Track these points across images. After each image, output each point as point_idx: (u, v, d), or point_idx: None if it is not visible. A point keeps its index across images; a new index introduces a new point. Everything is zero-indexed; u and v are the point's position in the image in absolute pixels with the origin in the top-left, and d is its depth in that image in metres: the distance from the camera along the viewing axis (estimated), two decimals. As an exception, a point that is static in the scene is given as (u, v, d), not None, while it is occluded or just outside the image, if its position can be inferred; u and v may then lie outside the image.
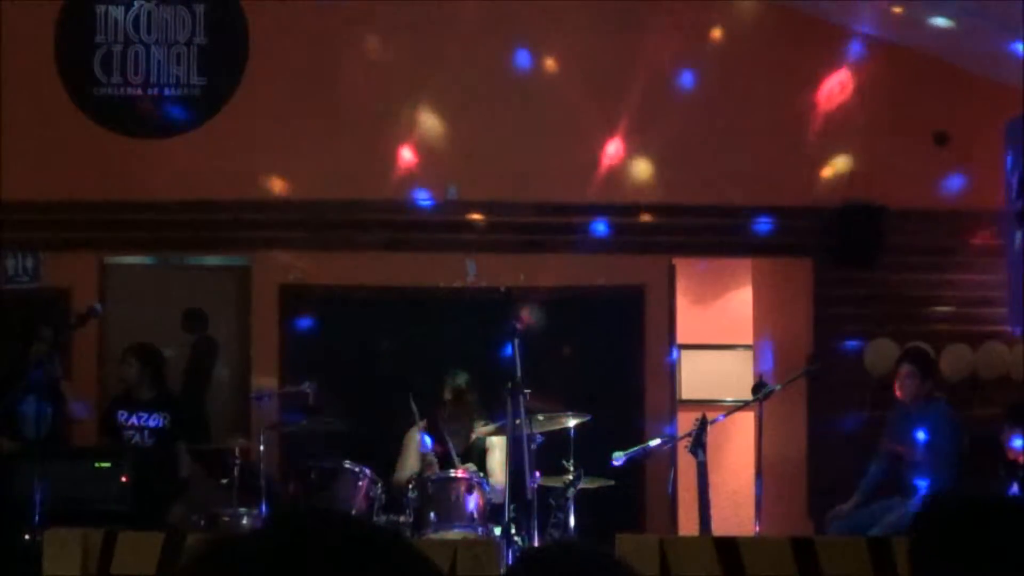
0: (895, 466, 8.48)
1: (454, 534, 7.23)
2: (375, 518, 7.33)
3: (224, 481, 7.58)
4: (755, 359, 10.43)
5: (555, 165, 9.58)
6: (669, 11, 9.61)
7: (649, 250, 9.72)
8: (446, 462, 7.89)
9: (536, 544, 6.81)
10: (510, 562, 6.59)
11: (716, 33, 9.66)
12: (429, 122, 9.54)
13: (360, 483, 7.50)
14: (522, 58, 9.63)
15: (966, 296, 9.70)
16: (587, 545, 1.81)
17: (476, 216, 9.58)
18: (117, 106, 9.45)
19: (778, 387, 8.01)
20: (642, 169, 9.66)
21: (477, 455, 8.04)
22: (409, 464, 8.08)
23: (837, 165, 9.69)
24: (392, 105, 9.53)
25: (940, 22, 9.14)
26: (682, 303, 10.45)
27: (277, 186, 9.49)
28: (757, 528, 7.92)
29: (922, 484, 8.19)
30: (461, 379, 8.07)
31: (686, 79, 9.65)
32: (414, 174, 9.56)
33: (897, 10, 9.29)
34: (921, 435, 8.36)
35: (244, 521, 7.30)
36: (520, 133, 9.58)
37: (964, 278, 9.73)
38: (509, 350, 7.01)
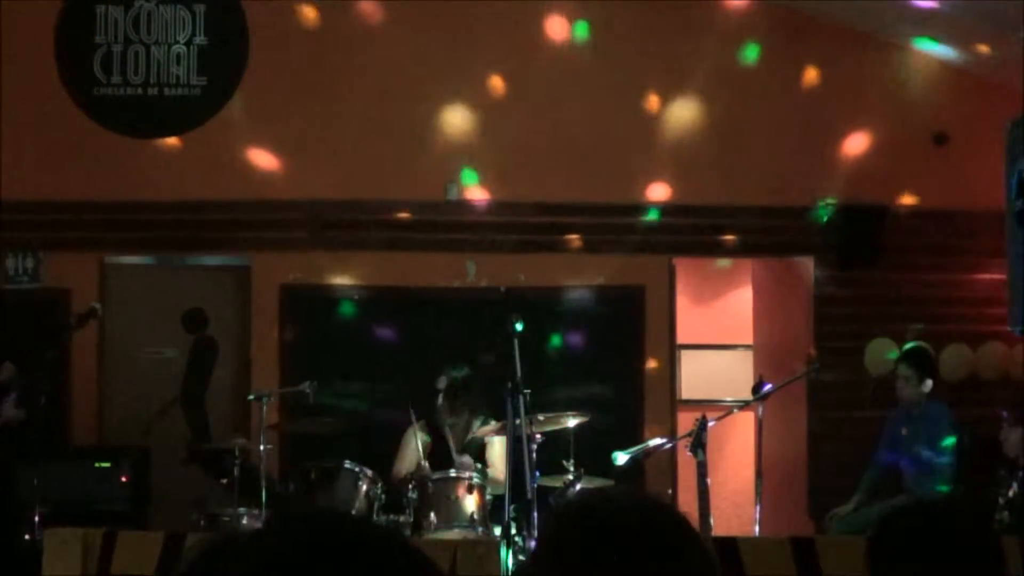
0: (895, 467, 8.47)
1: (454, 534, 7.23)
2: (375, 518, 7.33)
3: (224, 481, 7.58)
4: (755, 359, 10.43)
5: (555, 165, 9.58)
6: (671, 13, 9.61)
7: (649, 250, 9.72)
8: (444, 458, 7.88)
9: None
10: (510, 562, 6.58)
11: (718, 34, 9.66)
12: (429, 122, 9.54)
13: (360, 483, 7.50)
14: (524, 59, 9.62)
15: (966, 296, 9.70)
16: (626, 493, 1.75)
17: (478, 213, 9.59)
18: (117, 106, 9.44)
19: (778, 387, 8.00)
20: (643, 169, 9.66)
21: (476, 449, 8.03)
22: (407, 461, 8.07)
23: (837, 165, 9.70)
24: (392, 105, 9.53)
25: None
26: (682, 303, 10.44)
27: (277, 186, 9.50)
28: (757, 528, 7.92)
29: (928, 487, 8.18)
30: (459, 373, 8.05)
31: (687, 80, 9.64)
32: (414, 174, 9.55)
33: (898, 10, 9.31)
34: (920, 436, 8.35)
35: (244, 521, 7.29)
36: (521, 133, 9.58)
37: (964, 278, 9.73)
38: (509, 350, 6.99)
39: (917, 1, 9.02)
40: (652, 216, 9.68)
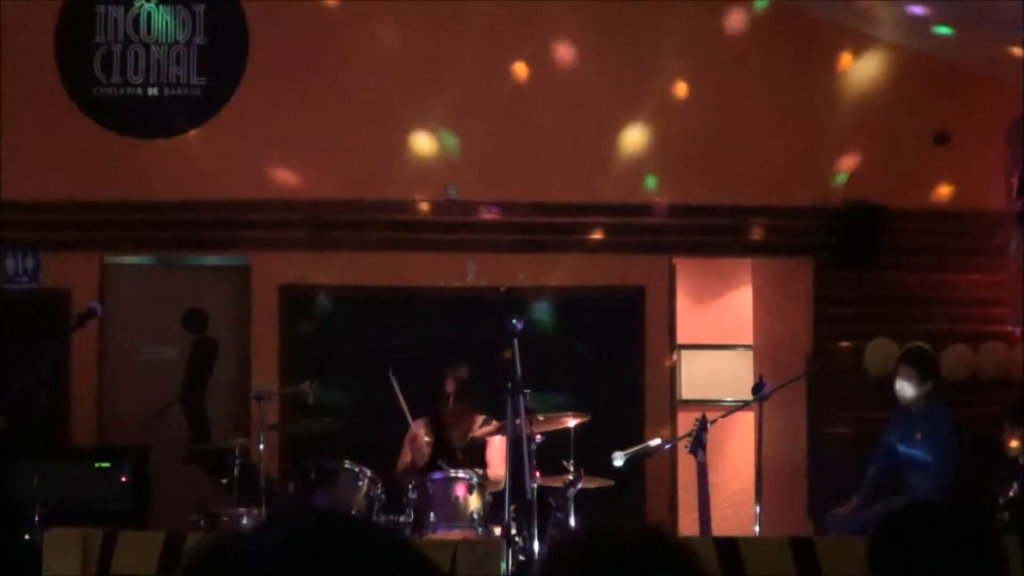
0: (895, 467, 8.47)
1: (454, 534, 7.23)
2: (375, 518, 7.33)
3: (224, 481, 7.58)
4: (755, 359, 10.43)
5: (555, 165, 9.58)
6: (671, 12, 9.61)
7: (649, 250, 9.72)
8: (447, 455, 7.89)
9: (537, 545, 6.80)
10: (510, 562, 6.59)
11: (717, 34, 9.66)
12: (430, 122, 9.54)
13: (360, 483, 7.50)
14: (524, 58, 9.62)
15: (966, 296, 9.70)
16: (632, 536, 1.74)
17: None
18: (117, 106, 9.45)
19: (778, 387, 8.00)
20: (643, 169, 9.66)
21: (476, 448, 8.05)
22: (410, 456, 8.10)
23: (837, 165, 9.69)
24: (392, 105, 9.53)
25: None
26: (682, 303, 10.44)
27: (277, 186, 9.49)
28: (757, 528, 7.91)
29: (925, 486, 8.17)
30: (462, 371, 8.07)
31: (687, 80, 9.64)
32: (414, 174, 9.56)
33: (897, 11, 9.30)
34: (921, 436, 8.35)
35: (244, 521, 7.29)
36: (521, 133, 9.58)
37: (964, 278, 9.72)
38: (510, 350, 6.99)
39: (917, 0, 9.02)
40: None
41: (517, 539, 7.00)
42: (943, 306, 9.68)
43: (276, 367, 9.41)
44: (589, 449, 7.49)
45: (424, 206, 9.60)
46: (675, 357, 9.78)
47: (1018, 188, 9.17)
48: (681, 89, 9.66)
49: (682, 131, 9.63)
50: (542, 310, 9.45)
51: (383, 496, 7.53)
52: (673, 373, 10.01)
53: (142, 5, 9.46)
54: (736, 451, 10.65)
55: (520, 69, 9.63)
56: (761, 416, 7.89)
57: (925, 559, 2.64)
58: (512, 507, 6.82)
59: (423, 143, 9.57)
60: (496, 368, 7.40)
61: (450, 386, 8.06)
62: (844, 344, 9.64)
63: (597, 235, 9.65)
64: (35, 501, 7.50)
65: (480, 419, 8.07)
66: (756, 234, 9.75)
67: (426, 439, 8.00)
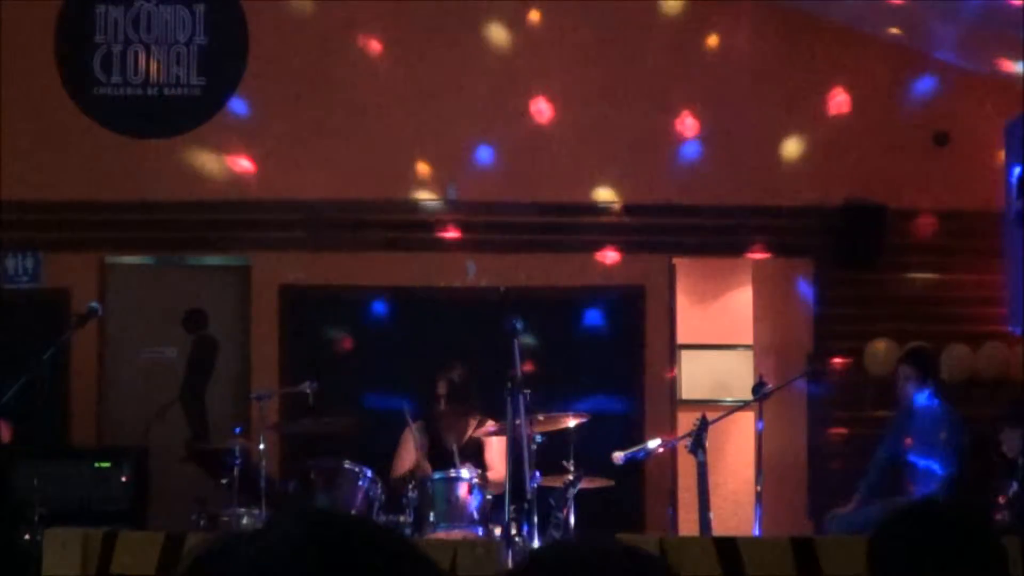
0: (895, 467, 8.48)
1: (454, 534, 7.23)
2: (375, 518, 7.33)
3: (224, 481, 7.58)
4: (755, 359, 10.43)
5: (555, 165, 9.58)
6: (671, 11, 9.61)
7: (649, 250, 9.72)
8: (444, 459, 7.88)
9: (537, 544, 6.80)
10: (510, 562, 6.58)
11: (718, 34, 9.66)
12: (429, 121, 9.54)
13: (360, 483, 7.50)
14: (523, 59, 9.62)
15: (966, 296, 9.70)
16: (601, 544, 1.74)
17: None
18: (117, 106, 9.45)
19: (778, 387, 8.00)
20: (642, 169, 9.66)
21: (474, 449, 8.04)
22: (406, 461, 8.08)
23: (837, 165, 9.70)
24: (392, 105, 9.53)
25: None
26: (682, 303, 10.44)
27: (277, 186, 9.49)
28: (757, 528, 7.92)
29: (928, 484, 8.18)
30: (454, 373, 8.05)
31: (687, 80, 9.64)
32: (414, 174, 9.56)
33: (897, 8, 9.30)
34: (921, 437, 8.35)
35: (244, 521, 7.29)
36: (521, 132, 9.58)
37: (964, 278, 9.73)
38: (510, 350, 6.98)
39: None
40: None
41: (517, 539, 6.99)
42: (943, 306, 9.68)
43: (276, 367, 9.41)
44: (589, 449, 7.49)
45: (424, 206, 9.60)
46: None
47: (1018, 188, 9.16)
48: (681, 90, 9.65)
49: (683, 130, 9.63)
50: (542, 310, 9.43)
51: (383, 496, 7.53)
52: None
53: (142, 5, 9.46)
54: (736, 451, 10.65)
55: (521, 68, 9.62)
56: (761, 416, 7.89)
57: (925, 559, 2.64)
58: (512, 507, 6.81)
59: (423, 143, 9.56)
60: (495, 369, 7.40)
61: (442, 388, 8.04)
62: (844, 344, 9.64)
63: (596, 235, 9.65)
64: (35, 501, 7.50)
65: (475, 421, 8.06)
66: (756, 234, 9.75)
67: (423, 440, 7.99)
